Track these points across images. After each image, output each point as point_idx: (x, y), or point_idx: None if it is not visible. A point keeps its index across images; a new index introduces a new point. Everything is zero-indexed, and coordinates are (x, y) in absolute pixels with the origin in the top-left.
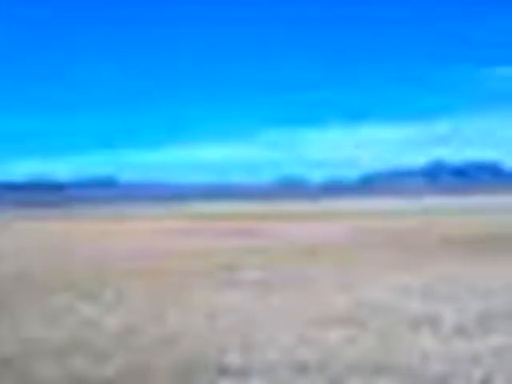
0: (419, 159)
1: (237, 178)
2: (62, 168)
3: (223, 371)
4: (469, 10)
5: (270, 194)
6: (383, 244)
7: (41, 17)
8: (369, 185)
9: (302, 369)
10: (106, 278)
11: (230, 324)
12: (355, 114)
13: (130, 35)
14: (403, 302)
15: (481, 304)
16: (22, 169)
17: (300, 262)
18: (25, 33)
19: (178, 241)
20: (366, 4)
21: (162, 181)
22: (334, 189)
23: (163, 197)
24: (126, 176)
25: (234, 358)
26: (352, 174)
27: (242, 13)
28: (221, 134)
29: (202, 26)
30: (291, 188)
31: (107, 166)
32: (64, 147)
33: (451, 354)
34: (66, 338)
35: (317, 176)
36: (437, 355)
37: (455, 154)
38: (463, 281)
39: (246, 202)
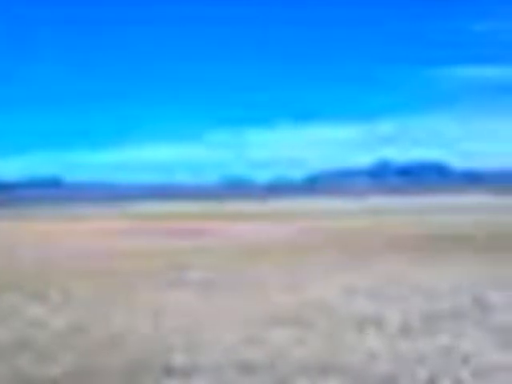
0: (365, 159)
1: (183, 178)
2: (7, 168)
3: (169, 371)
4: (415, 10)
5: (216, 194)
6: (329, 244)
7: None
8: (315, 185)
9: (249, 369)
10: (53, 278)
11: (176, 324)
12: (302, 114)
13: (77, 35)
14: (350, 302)
15: (427, 305)
16: None
17: (247, 261)
18: None
19: (125, 241)
20: (312, 4)
21: (108, 181)
22: (280, 189)
23: (110, 197)
24: (71, 176)
25: (179, 359)
26: (298, 174)
27: (186, 12)
28: (167, 134)
29: (149, 26)
30: (237, 188)
31: (53, 166)
32: (9, 147)
33: (397, 355)
34: (11, 337)
35: (263, 176)
36: (383, 355)
37: (401, 154)
38: (409, 281)
39: (192, 202)
